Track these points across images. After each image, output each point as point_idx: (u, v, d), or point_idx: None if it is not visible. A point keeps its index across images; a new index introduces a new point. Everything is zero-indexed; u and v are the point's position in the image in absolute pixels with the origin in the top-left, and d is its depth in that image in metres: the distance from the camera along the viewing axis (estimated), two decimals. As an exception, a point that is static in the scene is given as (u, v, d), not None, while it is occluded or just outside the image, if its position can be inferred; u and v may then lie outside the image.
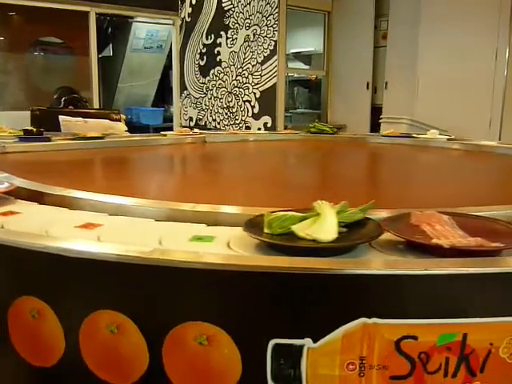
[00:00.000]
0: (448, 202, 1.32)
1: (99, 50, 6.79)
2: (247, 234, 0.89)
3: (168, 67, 8.29)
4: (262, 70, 6.11)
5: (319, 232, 0.87)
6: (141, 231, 0.99)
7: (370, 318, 0.73)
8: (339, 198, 1.00)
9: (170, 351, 0.77)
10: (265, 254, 0.84)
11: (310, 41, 7.19)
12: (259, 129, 6.11)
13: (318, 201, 0.96)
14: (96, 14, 6.35)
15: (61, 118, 3.35)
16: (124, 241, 0.90)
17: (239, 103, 6.45)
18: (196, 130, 3.68)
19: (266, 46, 6.02)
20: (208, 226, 1.01)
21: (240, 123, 6.45)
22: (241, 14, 6.28)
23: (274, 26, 5.89)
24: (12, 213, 1.12)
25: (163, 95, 8.86)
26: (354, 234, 0.91)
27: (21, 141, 2.61)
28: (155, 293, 0.78)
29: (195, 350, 0.76)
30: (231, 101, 6.58)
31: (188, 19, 7.04)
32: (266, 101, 6.10)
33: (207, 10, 6.73)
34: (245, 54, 6.30)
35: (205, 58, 6.90)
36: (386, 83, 6.01)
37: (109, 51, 8.15)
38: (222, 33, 6.57)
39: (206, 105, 7.02)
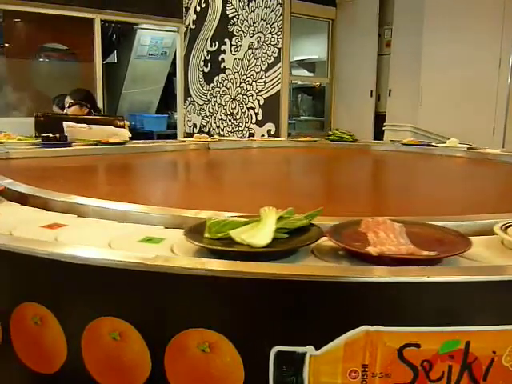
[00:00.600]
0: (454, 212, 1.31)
1: (104, 57, 6.82)
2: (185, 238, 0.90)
3: (172, 74, 8.32)
4: (265, 77, 6.12)
5: (253, 237, 0.88)
6: (98, 232, 1.02)
7: (372, 325, 0.72)
8: (343, 205, 1.00)
9: (172, 358, 0.77)
10: (204, 257, 0.84)
11: (313, 48, 7.21)
12: (263, 135, 6.12)
13: (265, 207, 0.97)
14: (101, 20, 6.39)
15: (65, 124, 3.35)
16: (76, 241, 0.93)
17: (243, 110, 6.47)
18: (216, 136, 3.70)
19: (270, 53, 6.04)
20: (166, 228, 1.04)
21: (244, 130, 6.46)
22: (245, 22, 6.30)
23: (278, 33, 5.91)
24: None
25: (167, 102, 8.89)
26: (291, 240, 0.92)
27: (44, 146, 2.64)
28: (158, 300, 0.78)
29: (197, 357, 0.76)
30: (235, 108, 6.59)
31: (192, 26, 7.06)
32: (270, 108, 6.11)
33: (212, 17, 6.75)
34: (249, 61, 6.32)
35: (209, 64, 6.92)
36: (390, 91, 6.01)
37: (113, 58, 8.18)
38: (227, 40, 6.59)
39: (209, 112, 7.03)
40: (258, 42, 6.16)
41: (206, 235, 0.92)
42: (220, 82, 6.79)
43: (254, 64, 6.26)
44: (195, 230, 0.95)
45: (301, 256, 0.88)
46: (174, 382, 0.78)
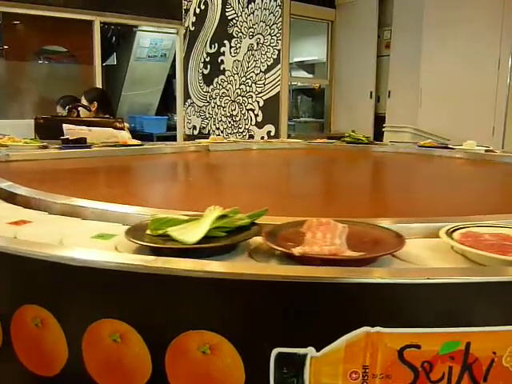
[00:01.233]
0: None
1: (103, 59, 6.83)
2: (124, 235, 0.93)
3: (172, 76, 8.33)
4: (265, 79, 6.13)
5: (185, 234, 0.89)
6: (57, 229, 1.05)
7: (373, 326, 0.72)
8: (343, 207, 1.00)
9: (173, 360, 0.77)
10: (144, 254, 0.86)
11: (313, 50, 7.22)
12: (262, 137, 6.13)
13: (211, 206, 0.99)
14: (100, 23, 6.40)
15: (65, 126, 3.36)
16: (32, 238, 0.96)
17: (243, 112, 6.47)
18: (232, 138, 3.71)
19: (269, 54, 6.04)
20: (125, 224, 1.05)
21: (243, 132, 6.47)
22: (244, 23, 6.31)
23: (278, 35, 5.92)
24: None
25: (167, 104, 8.90)
26: (224, 238, 0.93)
27: (64, 149, 2.67)
28: (158, 302, 0.78)
29: (198, 359, 0.76)
30: (235, 109, 6.60)
31: (192, 28, 7.07)
32: (270, 109, 6.12)
33: (211, 19, 6.76)
34: (248, 62, 6.33)
35: (208, 66, 6.93)
36: (389, 92, 6.02)
37: (113, 60, 8.19)
38: (226, 42, 6.60)
39: (209, 113, 7.04)
40: (258, 43, 6.17)
41: (148, 232, 0.94)
42: (219, 84, 6.79)
43: (253, 66, 6.27)
44: (141, 228, 0.97)
45: (233, 256, 0.90)
46: (175, 383, 0.78)
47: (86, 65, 6.61)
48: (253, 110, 6.33)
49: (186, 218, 0.97)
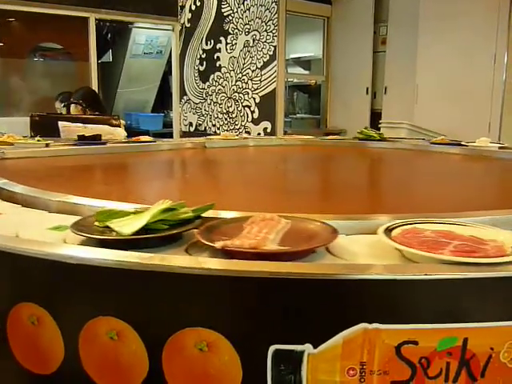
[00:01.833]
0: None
1: (99, 56, 6.81)
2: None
3: (167, 73, 8.31)
4: (261, 76, 6.12)
5: (123, 226, 0.92)
6: (17, 220, 1.09)
7: (370, 323, 0.72)
8: (340, 203, 1.00)
9: (170, 358, 0.77)
10: (90, 246, 0.89)
11: (309, 46, 7.20)
12: (258, 134, 6.12)
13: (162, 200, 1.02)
14: (95, 19, 6.37)
15: (60, 123, 3.35)
16: None
17: (239, 108, 6.46)
18: (245, 134, 3.70)
19: (265, 51, 6.03)
20: None
21: (240, 128, 6.46)
22: (240, 20, 6.29)
23: (274, 31, 5.91)
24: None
25: (163, 101, 8.87)
26: (165, 231, 0.95)
27: (79, 145, 2.71)
28: (155, 299, 0.78)
29: (195, 357, 0.76)
30: (231, 106, 6.59)
31: (187, 25, 7.06)
32: (266, 106, 6.11)
33: (207, 15, 6.74)
34: (244, 59, 6.32)
35: (204, 63, 6.92)
36: (386, 88, 6.02)
37: (108, 57, 8.17)
38: (222, 38, 6.58)
39: (205, 110, 7.03)
40: (254, 40, 6.16)
41: (96, 224, 0.97)
42: (216, 81, 6.78)
43: (249, 62, 6.26)
44: (90, 220, 1.01)
45: (170, 249, 0.91)
46: (172, 381, 0.78)
47: (82, 62, 6.59)
48: (249, 107, 6.32)
49: (133, 210, 1.00)
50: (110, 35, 7.98)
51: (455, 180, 2.09)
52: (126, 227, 0.92)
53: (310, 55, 7.25)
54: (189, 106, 7.30)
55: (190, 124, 7.31)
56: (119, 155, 2.73)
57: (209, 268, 0.76)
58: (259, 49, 6.11)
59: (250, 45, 6.22)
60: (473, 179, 2.19)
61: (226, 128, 6.69)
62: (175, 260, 0.79)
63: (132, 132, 5.64)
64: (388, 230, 0.93)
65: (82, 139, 2.82)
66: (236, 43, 6.41)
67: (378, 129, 5.35)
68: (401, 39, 5.76)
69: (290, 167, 2.82)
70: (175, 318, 0.78)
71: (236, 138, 3.47)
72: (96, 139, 2.85)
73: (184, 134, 7.14)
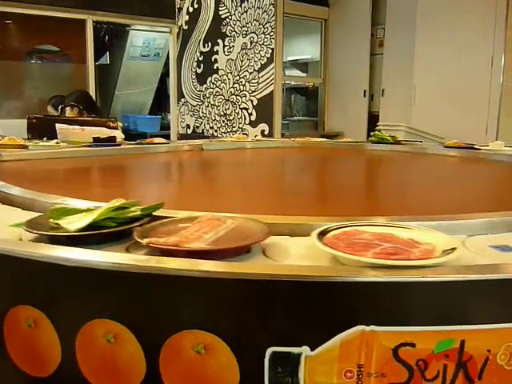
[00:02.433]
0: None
1: (96, 58, 6.80)
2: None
3: (165, 75, 8.30)
4: (259, 78, 6.12)
5: (71, 223, 0.95)
6: None
7: (367, 325, 0.72)
8: (337, 205, 1.00)
9: (167, 360, 0.77)
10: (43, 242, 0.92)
11: (306, 48, 7.22)
12: (256, 136, 6.12)
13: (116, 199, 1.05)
14: (93, 22, 6.37)
15: (58, 126, 3.34)
16: None
17: (236, 111, 6.47)
18: (259, 136, 3.72)
19: (263, 53, 6.04)
20: None
21: (237, 131, 6.46)
22: (238, 22, 6.30)
23: (271, 33, 5.91)
24: None
25: (160, 103, 8.87)
26: (106, 229, 0.97)
27: (95, 147, 2.78)
28: (152, 301, 0.78)
29: (192, 359, 0.76)
30: (228, 108, 6.59)
31: (185, 27, 7.06)
32: (263, 108, 6.11)
33: (204, 17, 6.75)
34: (242, 61, 6.32)
35: (202, 65, 6.92)
36: (383, 91, 6.03)
37: (106, 59, 8.16)
38: (219, 40, 6.59)
39: (203, 112, 7.03)
40: (251, 42, 6.16)
41: (50, 221, 1.00)
42: (213, 83, 6.79)
43: (247, 64, 6.26)
44: (45, 217, 1.03)
45: (112, 247, 0.93)
46: (169, 383, 0.78)
47: (79, 64, 6.58)
48: (246, 109, 6.33)
49: (85, 208, 1.03)
50: (107, 37, 7.97)
51: (455, 183, 2.09)
52: (73, 224, 0.95)
53: (308, 57, 7.26)
54: (186, 108, 7.29)
55: (188, 126, 7.31)
56: (117, 157, 2.72)
57: (205, 270, 0.76)
58: (257, 51, 6.11)
59: (248, 47, 6.22)
60: (476, 182, 2.19)
61: (223, 130, 6.69)
62: (172, 262, 0.79)
63: (129, 134, 5.63)
64: (327, 232, 0.93)
65: (97, 141, 2.90)
66: (233, 45, 6.42)
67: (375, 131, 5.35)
68: (398, 42, 5.77)
69: (288, 169, 2.82)
70: (172, 321, 0.78)
71: (249, 140, 3.50)
72: (110, 141, 2.95)
73: (181, 137, 7.14)
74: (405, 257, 0.80)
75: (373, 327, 0.72)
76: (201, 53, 6.90)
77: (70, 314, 0.84)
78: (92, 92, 6.29)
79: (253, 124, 6.25)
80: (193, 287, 0.76)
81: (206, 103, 6.95)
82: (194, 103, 7.15)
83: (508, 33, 4.65)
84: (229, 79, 6.54)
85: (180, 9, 7.09)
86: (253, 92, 6.22)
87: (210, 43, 6.74)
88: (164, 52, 8.12)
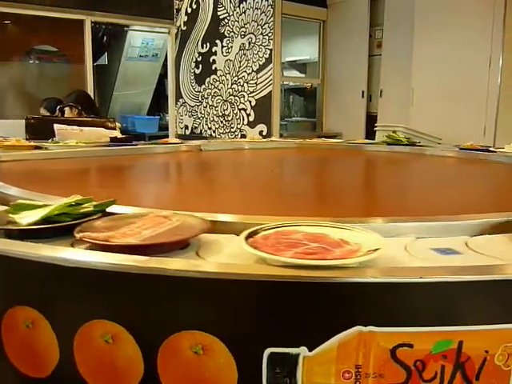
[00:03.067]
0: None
1: (94, 59, 6.80)
2: None
3: (163, 75, 8.31)
4: (257, 79, 6.13)
5: (24, 218, 0.99)
6: None
7: (365, 326, 0.72)
8: (337, 205, 1.00)
9: (166, 361, 0.77)
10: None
11: (305, 49, 7.22)
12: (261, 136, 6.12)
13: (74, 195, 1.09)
14: (91, 22, 6.37)
15: (56, 126, 3.34)
16: None
17: (235, 111, 6.47)
18: (274, 137, 3.73)
19: (261, 54, 6.04)
20: None
21: (235, 131, 6.46)
22: (236, 23, 6.30)
23: (270, 34, 5.92)
24: None
25: (158, 103, 8.88)
26: (56, 223, 1.00)
27: (111, 146, 2.90)
28: (150, 302, 0.78)
29: (190, 360, 0.76)
30: (227, 109, 6.59)
31: (183, 28, 7.06)
32: (262, 109, 6.11)
33: (202, 18, 6.75)
34: (240, 62, 6.32)
35: (200, 66, 6.92)
36: (381, 91, 6.03)
37: (104, 60, 8.16)
38: (218, 41, 6.59)
39: (201, 113, 7.03)
40: (250, 43, 6.17)
41: (10, 216, 1.03)
42: (211, 84, 6.79)
43: (245, 65, 6.27)
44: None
45: (61, 240, 0.95)
46: (167, 384, 0.78)
47: (77, 64, 6.58)
48: (245, 110, 6.33)
49: (41, 204, 1.06)
50: (105, 38, 7.98)
51: (457, 184, 2.08)
52: (26, 218, 0.98)
53: (306, 58, 7.26)
54: (184, 108, 7.30)
55: (186, 127, 7.31)
56: (117, 157, 2.72)
57: (204, 271, 0.76)
58: (255, 52, 6.12)
59: (246, 48, 6.22)
60: (480, 183, 2.18)
61: (221, 131, 6.69)
62: (171, 263, 0.79)
63: (127, 135, 5.62)
64: (261, 231, 0.93)
65: (115, 141, 3.04)
66: (232, 46, 6.42)
67: (374, 132, 5.36)
68: (396, 43, 5.77)
69: (286, 170, 2.82)
70: (170, 321, 0.78)
71: (263, 140, 3.54)
72: (127, 141, 3.07)
73: (179, 137, 7.14)
74: (321, 256, 0.80)
75: (371, 328, 0.72)
76: (199, 53, 6.90)
77: (67, 314, 0.84)
78: (90, 92, 6.28)
79: (251, 125, 6.26)
80: (191, 288, 0.76)
81: (205, 104, 6.95)
82: (193, 104, 7.15)
83: (506, 33, 4.65)
84: (227, 80, 6.54)
85: (178, 9, 7.10)
86: (251, 93, 6.23)
87: (208, 44, 6.74)
88: (162, 53, 8.12)
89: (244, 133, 6.33)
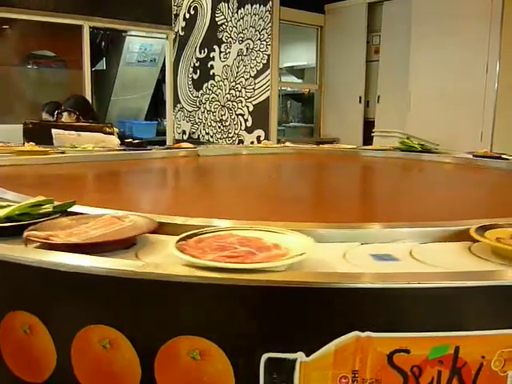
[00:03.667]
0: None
1: (92, 64, 6.80)
2: None
3: (161, 81, 8.31)
4: (255, 84, 6.14)
5: None
6: None
7: (362, 331, 0.73)
8: (333, 212, 1.00)
9: (163, 366, 0.77)
10: None
11: (302, 55, 7.23)
12: (252, 142, 6.13)
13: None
14: (89, 27, 6.37)
15: (54, 131, 3.34)
16: None
17: (232, 117, 6.47)
18: (288, 143, 3.73)
19: (259, 59, 6.05)
20: None
21: (233, 137, 6.47)
22: (234, 29, 6.31)
23: (267, 40, 5.93)
24: None
25: (156, 109, 8.87)
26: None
27: (127, 151, 3.01)
28: (148, 307, 0.78)
29: (188, 365, 0.76)
30: (224, 114, 6.60)
31: (181, 33, 7.07)
32: (259, 114, 6.12)
33: (200, 24, 6.76)
34: (238, 67, 6.33)
35: (198, 71, 6.93)
36: (379, 97, 6.04)
37: (102, 65, 8.16)
38: (216, 47, 6.60)
39: (199, 118, 7.03)
40: (247, 48, 6.18)
41: None
42: (209, 89, 6.80)
43: (243, 71, 6.28)
44: None
45: (16, 239, 0.97)
46: (165, 389, 0.78)
47: (76, 70, 6.58)
48: (242, 115, 6.33)
49: (5, 204, 1.11)
50: (103, 43, 7.97)
51: (456, 190, 2.08)
52: None
53: (304, 64, 7.27)
54: (182, 114, 7.30)
55: (184, 132, 7.31)
56: (115, 163, 2.72)
57: (202, 276, 0.76)
58: (253, 57, 6.13)
59: (244, 53, 6.24)
60: (481, 190, 2.17)
61: (219, 136, 6.70)
62: (168, 268, 0.79)
63: (126, 140, 5.61)
64: (196, 235, 0.95)
65: (129, 145, 3.13)
66: (230, 52, 6.43)
67: (371, 138, 5.37)
68: (394, 48, 5.79)
69: (284, 175, 2.82)
70: (168, 326, 0.78)
71: (276, 146, 3.56)
72: (141, 146, 3.15)
73: (177, 142, 7.14)
74: (240, 260, 0.80)
75: (368, 333, 0.73)
76: (197, 59, 6.91)
77: (65, 319, 0.84)
78: (88, 97, 6.28)
79: (249, 130, 6.26)
80: (188, 293, 0.77)
81: (202, 109, 6.95)
82: (190, 109, 7.16)
83: (503, 39, 4.67)
84: (225, 85, 6.55)
85: (176, 15, 7.11)
86: (249, 98, 6.23)
87: (206, 49, 6.75)
88: (160, 58, 8.12)
89: (241, 138, 6.34)
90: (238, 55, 6.32)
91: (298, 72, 7.49)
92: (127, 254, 0.92)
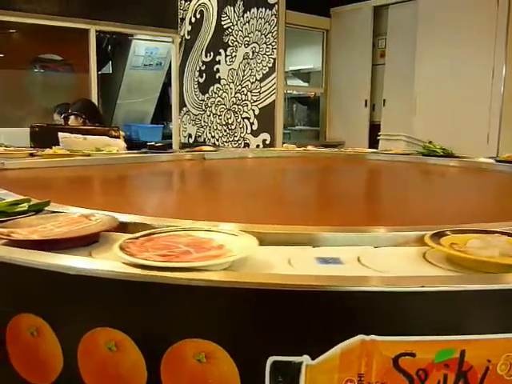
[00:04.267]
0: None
1: (99, 67, 6.83)
2: None
3: (167, 84, 8.34)
4: (260, 88, 6.14)
5: None
6: None
7: (368, 335, 0.73)
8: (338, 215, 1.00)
9: (169, 368, 0.77)
10: None
11: (308, 58, 7.24)
12: (257, 146, 6.14)
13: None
14: (96, 31, 6.40)
15: (60, 134, 3.35)
16: None
17: (238, 120, 6.48)
18: (310, 147, 3.74)
19: (264, 63, 6.06)
20: None
21: (239, 140, 6.48)
22: (240, 32, 6.33)
23: (273, 43, 5.94)
24: None
25: (162, 112, 8.90)
26: None
27: (149, 153, 3.12)
28: (154, 310, 0.78)
29: (194, 368, 0.76)
30: (230, 118, 6.61)
31: (187, 37, 7.09)
32: (265, 118, 6.13)
33: (206, 28, 6.78)
34: (244, 71, 6.34)
35: (204, 75, 6.94)
36: (384, 101, 6.04)
37: (108, 68, 8.20)
38: (221, 50, 6.62)
39: (204, 122, 7.05)
40: (253, 52, 6.19)
41: None
42: (215, 93, 6.81)
43: (248, 74, 6.29)
44: None
45: None
46: (171, 392, 0.78)
47: (82, 73, 6.61)
48: (248, 119, 6.34)
49: None
50: (110, 47, 8.01)
51: (463, 194, 2.07)
52: None
53: (309, 67, 7.28)
54: (188, 117, 7.32)
55: (190, 135, 7.32)
56: (120, 166, 2.73)
57: (207, 279, 0.76)
58: (259, 61, 6.14)
59: (250, 57, 6.25)
60: (482, 194, 2.17)
61: (225, 139, 6.71)
62: (173, 271, 0.79)
63: (131, 143, 5.64)
64: (159, 233, 0.96)
65: (152, 148, 3.24)
66: (235, 55, 6.44)
67: (377, 141, 5.36)
68: (399, 52, 5.79)
69: (289, 179, 2.82)
70: (174, 329, 0.78)
71: (296, 149, 3.57)
72: (163, 148, 3.31)
73: (183, 146, 7.16)
74: (167, 259, 0.82)
75: (373, 337, 0.73)
76: (203, 62, 6.93)
77: (72, 322, 0.84)
78: (94, 101, 6.30)
79: (254, 133, 6.27)
80: (194, 296, 0.77)
81: (208, 112, 6.97)
82: (196, 112, 7.17)
83: (509, 43, 4.66)
84: (231, 89, 6.56)
85: (182, 19, 7.13)
86: (255, 101, 6.24)
87: (212, 53, 6.77)
88: (166, 61, 8.15)
89: (247, 141, 6.35)
90: (243, 59, 6.33)
91: (304, 75, 7.50)
92: (81, 251, 0.93)
